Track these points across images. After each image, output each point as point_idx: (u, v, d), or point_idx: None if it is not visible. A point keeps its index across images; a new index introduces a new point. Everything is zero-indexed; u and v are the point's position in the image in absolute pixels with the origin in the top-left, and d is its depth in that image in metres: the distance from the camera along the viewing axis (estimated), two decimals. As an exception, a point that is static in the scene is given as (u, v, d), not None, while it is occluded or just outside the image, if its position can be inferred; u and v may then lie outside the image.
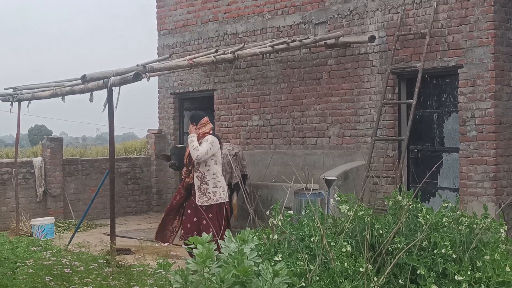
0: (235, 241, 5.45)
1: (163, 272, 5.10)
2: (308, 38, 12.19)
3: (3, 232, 8.07)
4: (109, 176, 9.09)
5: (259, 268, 5.21)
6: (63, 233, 12.54)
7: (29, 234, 12.02)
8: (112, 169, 8.98)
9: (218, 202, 8.82)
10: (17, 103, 11.81)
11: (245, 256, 5.16)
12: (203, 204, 8.72)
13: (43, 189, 13.90)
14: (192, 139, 8.80)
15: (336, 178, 9.78)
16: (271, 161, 12.85)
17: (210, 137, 8.89)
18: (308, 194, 8.16)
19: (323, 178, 9.64)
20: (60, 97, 10.33)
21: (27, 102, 11.62)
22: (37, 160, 14.04)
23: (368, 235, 5.56)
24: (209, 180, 8.81)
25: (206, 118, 9.12)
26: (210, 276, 5.00)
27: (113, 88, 8.84)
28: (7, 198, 13.31)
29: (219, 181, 8.91)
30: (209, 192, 8.77)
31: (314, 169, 11.74)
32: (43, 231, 11.98)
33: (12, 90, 11.90)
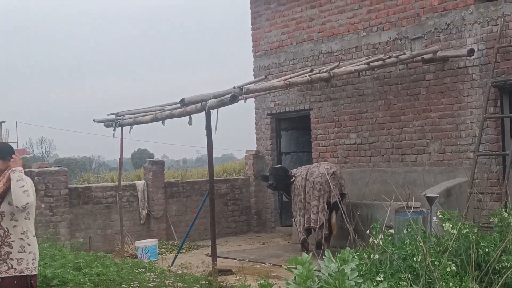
0: (335, 261, 5.39)
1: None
2: (404, 53, 12.01)
3: (109, 255, 8.31)
4: (209, 198, 9.22)
5: (360, 288, 5.13)
6: (166, 254, 12.79)
7: (133, 256, 12.34)
8: (211, 190, 9.11)
9: (22, 274, 5.91)
10: (119, 128, 12.22)
11: (346, 276, 5.09)
12: (1, 275, 5.85)
13: (146, 212, 14.25)
14: (21, 176, 5.87)
15: (438, 195, 9.53)
16: (370, 179, 12.69)
17: (28, 179, 5.95)
18: (409, 212, 7.98)
19: (425, 196, 9.42)
20: (160, 121, 10.60)
21: (129, 126, 12.01)
22: (140, 183, 14.42)
23: (473, 254, 5.38)
24: (13, 241, 5.92)
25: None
26: (311, 297, 4.96)
27: (211, 110, 8.99)
28: (112, 221, 13.73)
29: (29, 244, 6.00)
30: (11, 259, 5.91)
31: (414, 187, 11.49)
32: (147, 252, 12.26)
33: (114, 115, 12.31)
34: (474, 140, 11.36)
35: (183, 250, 13.12)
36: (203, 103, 8.82)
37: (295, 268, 5.31)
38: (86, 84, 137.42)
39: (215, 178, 16.21)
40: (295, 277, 5.29)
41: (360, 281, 5.25)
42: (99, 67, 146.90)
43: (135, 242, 12.83)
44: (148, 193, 14.36)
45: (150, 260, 11.65)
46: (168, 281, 5.46)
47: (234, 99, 8.55)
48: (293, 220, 12.82)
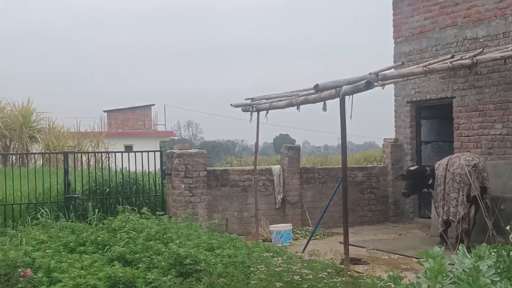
0: (469, 257, 5.14)
1: (393, 286, 4.94)
2: (557, 39, 11.25)
3: (242, 237, 8.44)
4: (342, 185, 9.11)
5: (496, 287, 4.86)
6: (300, 240, 12.84)
7: (268, 240, 12.47)
8: (344, 178, 8.98)
9: None
10: (256, 113, 12.36)
11: (481, 273, 4.83)
12: None
13: (281, 196, 14.34)
14: None
15: None
16: (516, 172, 12.02)
17: None
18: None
19: None
20: (295, 106, 10.59)
21: (265, 111, 12.10)
22: (276, 168, 14.53)
23: None
24: None
25: None
26: (441, 292, 4.76)
27: (346, 96, 8.84)
28: (248, 204, 13.93)
29: None
30: None
31: None
32: (281, 237, 12.36)
33: (250, 100, 12.46)
34: None
35: (317, 237, 13.13)
36: (337, 89, 8.70)
37: (426, 261, 5.12)
38: (231, 69, 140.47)
39: (353, 166, 16.15)
40: (425, 271, 5.10)
41: (496, 279, 4.98)
42: (244, 53, 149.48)
43: (270, 226, 12.97)
44: (283, 178, 14.43)
45: (283, 244, 11.73)
46: (295, 267, 5.44)
47: (368, 85, 8.35)
48: (433, 211, 12.42)
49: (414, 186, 12.27)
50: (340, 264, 8.86)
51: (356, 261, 9.90)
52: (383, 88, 11.87)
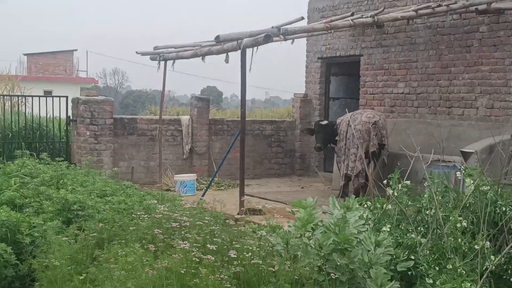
0: (339, 208, 5.36)
1: (264, 234, 5.10)
2: (456, 3, 11.54)
3: (136, 185, 8.47)
4: (240, 137, 9.24)
5: (361, 236, 5.09)
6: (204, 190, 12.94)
7: (173, 189, 12.53)
8: (242, 130, 9.11)
9: None
10: (163, 62, 12.28)
11: (347, 223, 5.04)
12: None
13: (189, 147, 14.39)
14: None
15: (474, 151, 9.27)
16: (415, 131, 12.43)
17: None
18: (440, 165, 7.85)
19: (461, 151, 9.20)
20: (200, 57, 10.58)
21: (172, 61, 12.03)
22: (185, 119, 14.52)
23: (488, 211, 5.28)
24: None
25: None
26: (310, 241, 4.95)
27: (249, 49, 8.89)
28: (155, 154, 13.87)
29: None
30: None
31: (459, 141, 11.26)
32: (185, 186, 12.43)
33: (152, 49, 12.34)
34: (523, 97, 10.99)
35: (223, 188, 13.33)
36: (238, 41, 8.74)
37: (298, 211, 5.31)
38: (156, 17, 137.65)
39: (262, 119, 16.33)
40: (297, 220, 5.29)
41: (363, 229, 5.20)
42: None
43: (174, 176, 13.01)
44: (192, 129, 14.46)
45: (187, 194, 11.84)
46: (176, 214, 5.54)
47: (268, 38, 8.42)
48: (334, 165, 12.72)
49: (326, 142, 12.44)
50: (238, 214, 9.02)
51: (254, 211, 10.07)
52: (292, 43, 12.01)
